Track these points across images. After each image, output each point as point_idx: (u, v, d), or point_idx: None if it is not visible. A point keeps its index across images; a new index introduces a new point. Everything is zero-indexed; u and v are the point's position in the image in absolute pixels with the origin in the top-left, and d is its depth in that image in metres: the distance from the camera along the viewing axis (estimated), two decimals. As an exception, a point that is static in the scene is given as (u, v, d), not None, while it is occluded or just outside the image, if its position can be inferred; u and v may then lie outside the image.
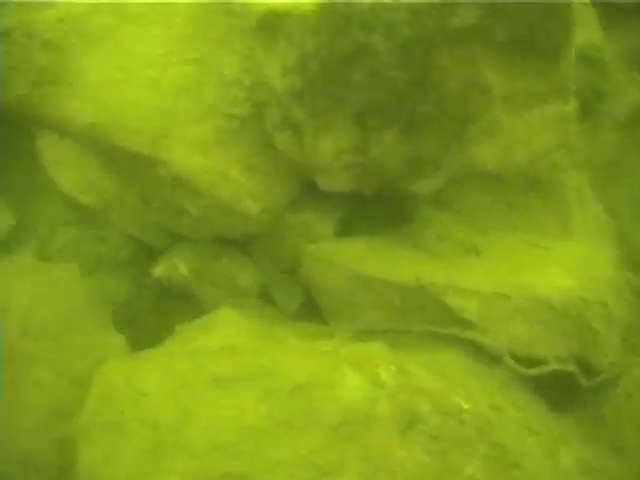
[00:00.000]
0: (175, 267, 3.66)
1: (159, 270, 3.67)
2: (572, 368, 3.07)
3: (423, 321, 3.21)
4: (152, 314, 3.67)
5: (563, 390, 3.08)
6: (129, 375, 3.06)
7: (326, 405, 2.73)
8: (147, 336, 3.56)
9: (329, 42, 2.82)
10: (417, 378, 2.76)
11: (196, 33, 3.35)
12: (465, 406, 2.65)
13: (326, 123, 3.05)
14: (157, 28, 3.28)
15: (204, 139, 3.22)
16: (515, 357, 3.10)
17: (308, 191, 3.46)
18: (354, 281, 3.31)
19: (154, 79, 3.19)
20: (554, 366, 3.07)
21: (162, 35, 3.28)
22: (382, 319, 3.30)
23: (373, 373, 2.75)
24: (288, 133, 3.06)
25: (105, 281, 3.62)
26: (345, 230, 3.52)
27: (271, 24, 2.80)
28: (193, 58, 3.30)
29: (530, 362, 3.10)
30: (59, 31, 3.05)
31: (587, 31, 3.85)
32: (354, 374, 2.77)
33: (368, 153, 3.16)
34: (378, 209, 3.54)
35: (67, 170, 3.67)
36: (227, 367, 2.94)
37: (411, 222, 3.50)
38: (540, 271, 3.27)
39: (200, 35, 3.36)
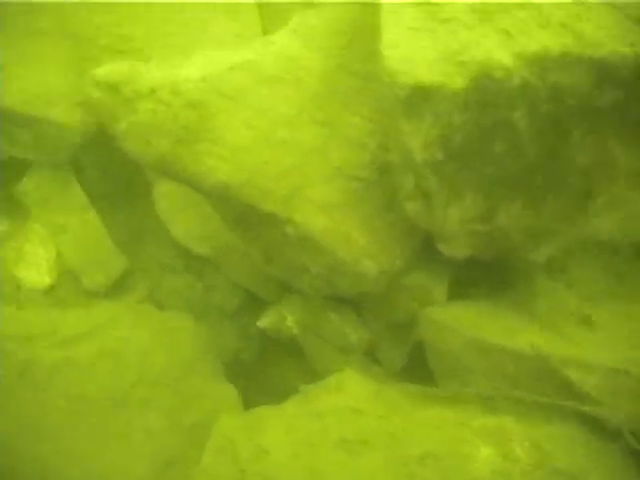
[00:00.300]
0: (283, 319, 3.70)
1: (266, 321, 3.72)
2: (690, 447, 3.06)
3: (538, 391, 3.21)
4: (258, 364, 3.71)
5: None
6: (250, 430, 3.08)
7: (457, 476, 2.74)
8: (255, 386, 3.61)
9: (475, 117, 2.88)
10: (551, 456, 2.77)
11: (325, 94, 3.43)
12: (603, 488, 2.66)
13: (458, 193, 3.11)
14: (289, 89, 3.35)
15: (330, 200, 3.28)
16: (634, 434, 3.09)
17: (423, 254, 3.50)
18: (469, 346, 3.33)
19: (286, 139, 3.25)
20: (673, 444, 3.07)
21: (294, 96, 3.36)
22: (494, 385, 3.32)
23: (507, 447, 2.76)
24: (420, 201, 3.12)
25: (214, 329, 3.67)
26: (456, 292, 3.55)
27: (419, 97, 2.85)
28: (322, 119, 3.37)
29: (648, 439, 3.11)
30: (201, 90, 3.12)
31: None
32: (486, 447, 2.79)
33: (493, 222, 3.21)
34: (489, 273, 3.57)
35: (181, 219, 3.74)
36: (353, 430, 2.96)
37: (522, 288, 3.53)
38: (656, 345, 3.29)
39: (329, 96, 3.44)
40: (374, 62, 3.48)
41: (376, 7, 3.50)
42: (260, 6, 3.98)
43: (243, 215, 3.25)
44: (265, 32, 3.89)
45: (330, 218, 3.27)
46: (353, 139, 3.40)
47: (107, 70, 3.08)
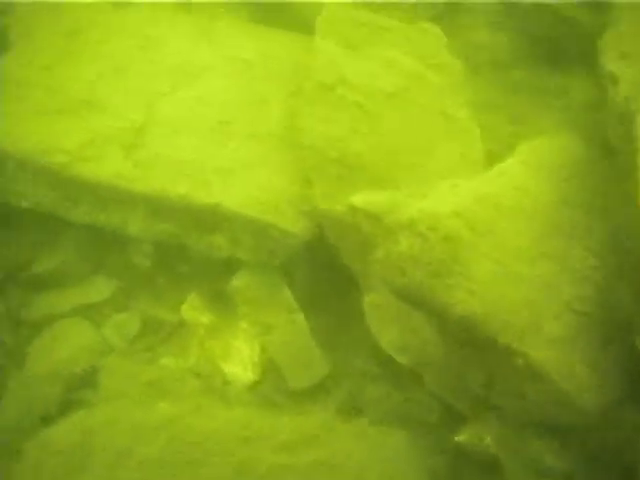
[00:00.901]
0: (481, 436, 3.76)
1: (464, 437, 3.78)
2: None
3: None
4: (451, 478, 3.77)
5: None
6: None
7: None
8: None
9: None
10: None
11: (552, 227, 3.56)
12: None
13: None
14: (522, 221, 3.48)
15: (559, 334, 3.38)
16: None
17: (635, 387, 3.57)
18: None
19: (522, 273, 3.37)
20: None
21: (526, 228, 3.48)
22: None
23: None
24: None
25: (412, 441, 3.73)
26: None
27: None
28: (551, 253, 3.50)
29: None
30: (455, 225, 3.25)
31: None
32: None
33: None
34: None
35: (389, 329, 3.84)
36: None
37: None
38: None
39: (555, 229, 3.56)
40: (597, 196, 3.61)
41: (595, 144, 3.65)
42: (480, 127, 4.12)
43: (474, 342, 3.34)
44: (487, 154, 4.03)
45: (557, 351, 3.36)
46: (578, 272, 3.51)
47: (367, 199, 3.22)
